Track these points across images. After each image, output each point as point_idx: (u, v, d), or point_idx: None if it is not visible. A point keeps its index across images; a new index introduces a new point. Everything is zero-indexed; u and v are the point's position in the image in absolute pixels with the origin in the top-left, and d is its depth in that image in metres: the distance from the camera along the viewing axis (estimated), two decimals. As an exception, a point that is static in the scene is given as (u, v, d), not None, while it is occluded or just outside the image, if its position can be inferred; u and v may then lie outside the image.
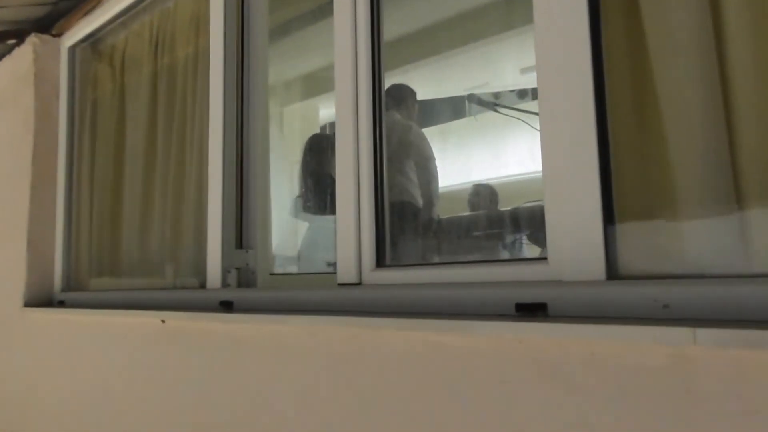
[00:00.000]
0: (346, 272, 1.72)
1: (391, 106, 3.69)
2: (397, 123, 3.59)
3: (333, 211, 3.60)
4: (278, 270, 2.70)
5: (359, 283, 1.69)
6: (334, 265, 1.85)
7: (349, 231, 1.71)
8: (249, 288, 2.21)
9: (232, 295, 2.12)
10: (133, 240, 2.91)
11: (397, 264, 1.66)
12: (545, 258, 1.31)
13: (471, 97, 4.19)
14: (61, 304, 3.13)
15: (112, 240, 3.05)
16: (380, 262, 1.68)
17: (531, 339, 1.18)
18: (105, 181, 3.12)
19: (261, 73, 2.30)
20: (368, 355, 1.45)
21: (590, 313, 1.18)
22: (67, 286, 3.20)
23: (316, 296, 1.75)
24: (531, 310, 1.26)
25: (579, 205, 1.24)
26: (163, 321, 2.17)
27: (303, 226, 4.45)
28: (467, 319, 1.27)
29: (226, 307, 2.10)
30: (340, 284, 1.73)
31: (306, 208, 4.23)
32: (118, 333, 2.43)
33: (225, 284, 2.23)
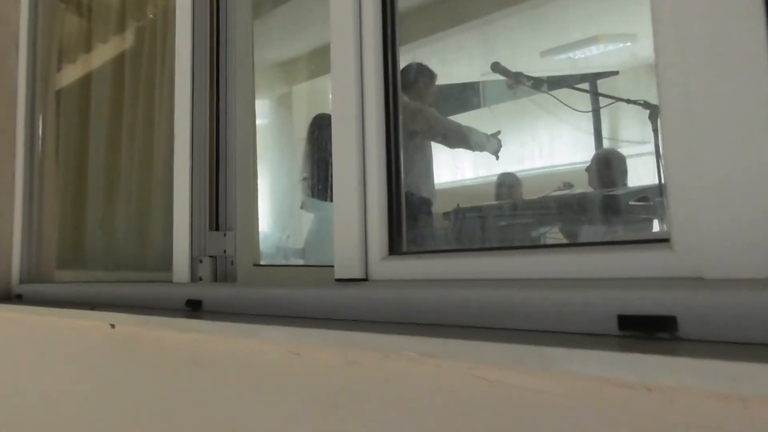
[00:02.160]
0: (345, 263, 1.20)
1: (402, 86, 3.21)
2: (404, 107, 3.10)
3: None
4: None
5: (364, 279, 1.18)
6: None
7: (351, 204, 1.19)
8: (224, 283, 1.70)
9: (201, 291, 1.61)
10: (98, 225, 2.41)
11: (418, 250, 1.14)
12: (666, 240, 0.80)
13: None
14: (19, 298, 2.64)
15: (79, 223, 2.56)
16: (394, 249, 1.16)
17: (659, 385, 0.66)
18: (71, 151, 2.63)
19: (242, 33, 1.78)
20: (374, 392, 0.94)
21: (751, 336, 0.66)
22: (28, 278, 2.71)
23: (304, 297, 1.24)
24: (647, 328, 0.74)
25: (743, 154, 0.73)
26: (112, 325, 1.67)
27: (308, 215, 3.95)
28: (539, 342, 0.76)
29: (194, 307, 1.60)
30: (338, 280, 1.22)
31: (310, 193, 3.74)
32: (59, 338, 1.93)
33: (196, 278, 1.73)
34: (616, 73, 4.88)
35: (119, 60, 2.32)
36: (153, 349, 1.52)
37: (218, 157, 1.77)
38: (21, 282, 2.68)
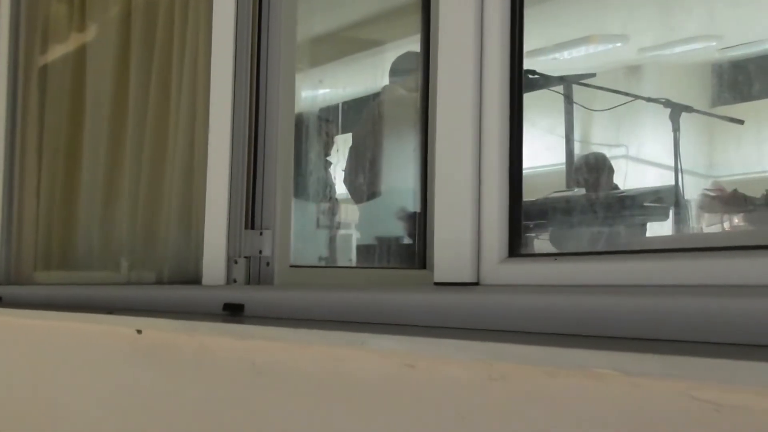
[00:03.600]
0: (450, 265, 1.07)
1: (397, 78, 3.08)
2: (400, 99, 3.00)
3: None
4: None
5: (475, 283, 1.05)
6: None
7: (461, 193, 1.06)
8: (266, 286, 1.55)
9: (241, 295, 1.45)
10: (94, 221, 2.21)
11: (547, 252, 1.01)
12: None
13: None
14: (-2, 301, 2.40)
15: (67, 220, 2.35)
16: (514, 250, 1.03)
17: None
18: (57, 144, 2.41)
19: (287, 7, 1.61)
20: (531, 412, 0.81)
21: None
22: (7, 279, 2.48)
23: (391, 301, 1.10)
24: None
25: None
26: (138, 331, 1.49)
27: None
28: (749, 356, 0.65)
29: (233, 311, 1.43)
30: (438, 284, 1.09)
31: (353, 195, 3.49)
32: (70, 345, 1.73)
33: (230, 279, 1.57)
34: (593, 75, 4.83)
35: (124, 34, 2.12)
36: (193, 358, 1.35)
37: (256, 149, 1.61)
38: (0, 284, 2.44)
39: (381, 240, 2.58)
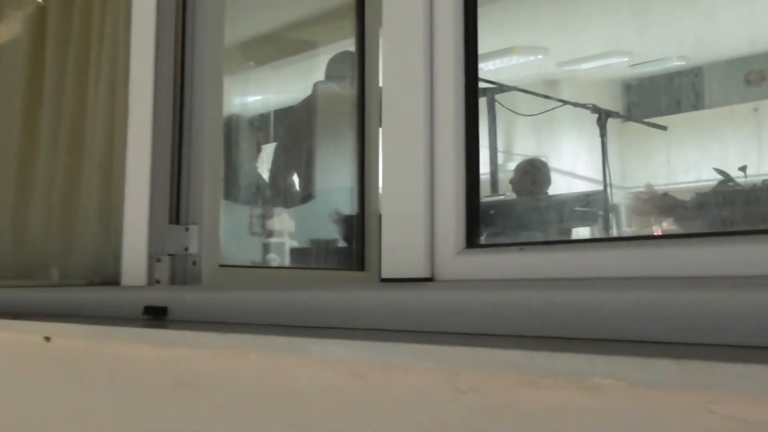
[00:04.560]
0: (400, 259, 0.90)
1: (333, 77, 2.92)
2: (337, 97, 2.83)
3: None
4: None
5: (429, 279, 0.89)
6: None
7: (411, 180, 0.89)
8: (192, 286, 1.34)
9: (165, 296, 1.25)
10: (4, 218, 1.94)
11: (510, 242, 0.86)
12: None
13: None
14: None
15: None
16: (473, 240, 0.88)
17: None
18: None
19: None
20: None
21: None
22: None
23: (337, 302, 0.93)
24: None
25: None
26: (47, 339, 1.25)
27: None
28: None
29: (156, 315, 1.23)
30: (386, 280, 0.92)
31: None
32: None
33: (153, 280, 1.36)
34: (514, 88, 4.78)
35: (38, 25, 1.87)
36: (109, 368, 1.14)
37: (181, 139, 1.41)
38: None
39: (317, 243, 2.40)
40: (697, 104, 7.02)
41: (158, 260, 1.35)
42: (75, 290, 1.45)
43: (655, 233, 2.39)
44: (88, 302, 1.39)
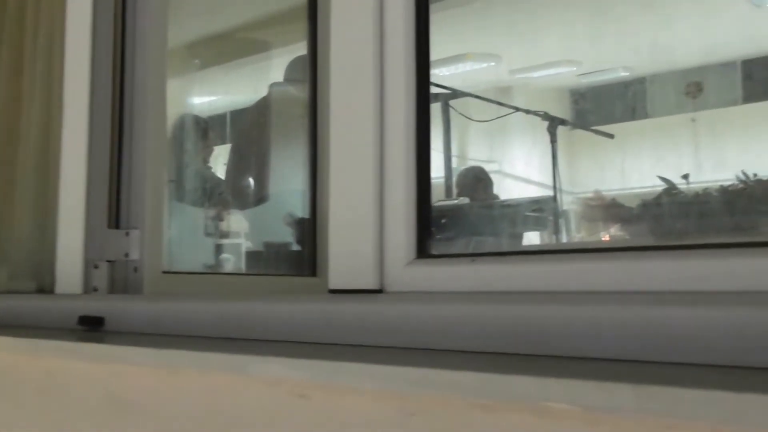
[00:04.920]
0: (349, 268, 0.84)
1: (291, 79, 2.85)
2: (293, 99, 2.77)
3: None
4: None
5: (379, 290, 0.83)
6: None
7: (360, 186, 0.84)
8: (131, 295, 1.26)
9: (102, 305, 1.16)
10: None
11: (467, 252, 0.80)
12: None
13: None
14: None
15: None
16: (424, 250, 0.83)
17: None
18: None
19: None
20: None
21: None
22: None
23: (282, 314, 0.86)
24: None
25: None
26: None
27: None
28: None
29: (92, 325, 1.14)
30: (334, 291, 0.86)
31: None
32: None
33: (89, 288, 1.26)
34: (468, 94, 4.78)
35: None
36: (40, 386, 1.05)
37: (121, 139, 1.32)
38: None
39: (270, 246, 2.32)
40: (641, 114, 7.17)
41: (96, 267, 1.27)
42: (5, 298, 1.35)
43: (603, 238, 2.38)
44: (20, 311, 1.29)
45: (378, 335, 0.78)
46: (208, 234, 2.58)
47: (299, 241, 2.14)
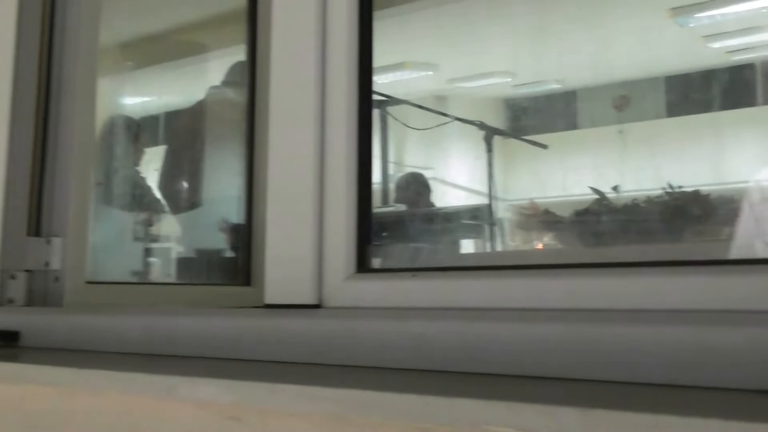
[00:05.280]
0: (286, 282, 0.80)
1: (230, 83, 2.78)
2: (231, 103, 2.70)
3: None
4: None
5: (317, 305, 0.79)
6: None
7: (299, 197, 0.80)
8: (51, 307, 1.18)
9: (18, 319, 1.08)
10: None
11: (407, 267, 0.78)
12: None
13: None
14: None
15: None
16: (364, 264, 0.79)
17: None
18: None
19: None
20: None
21: None
22: None
23: (214, 329, 0.81)
24: None
25: None
26: None
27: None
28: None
29: (6, 340, 1.06)
30: (270, 306, 0.82)
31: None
32: None
33: (4, 300, 1.17)
34: (406, 102, 4.80)
35: None
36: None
37: (45, 142, 1.24)
38: None
39: (201, 253, 2.24)
40: (572, 125, 7.37)
41: (12, 277, 1.18)
42: None
43: (537, 247, 2.40)
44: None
45: (316, 352, 0.74)
46: (137, 239, 2.48)
47: (234, 249, 2.08)
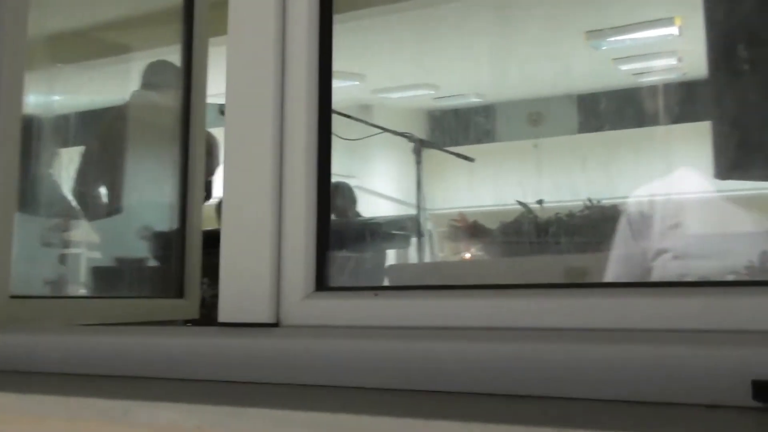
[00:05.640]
0: (242, 300, 0.78)
1: (152, 85, 2.70)
2: (156, 107, 2.64)
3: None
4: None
5: (275, 324, 0.77)
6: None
7: (256, 211, 0.78)
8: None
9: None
10: None
11: (369, 286, 0.77)
12: None
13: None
14: None
15: None
16: (323, 282, 0.78)
17: None
18: None
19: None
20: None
21: None
22: None
23: (164, 349, 0.78)
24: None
25: None
26: None
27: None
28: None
29: None
30: (224, 324, 0.79)
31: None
32: None
33: None
34: (336, 112, 4.75)
35: None
36: None
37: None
38: None
39: (122, 261, 2.15)
40: (490, 137, 7.58)
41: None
42: None
43: (464, 257, 2.45)
44: None
45: (275, 372, 0.72)
46: (46, 245, 2.34)
47: (158, 257, 2.00)
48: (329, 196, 0.81)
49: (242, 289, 0.78)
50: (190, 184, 1.52)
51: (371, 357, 0.69)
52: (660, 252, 1.78)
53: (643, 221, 1.85)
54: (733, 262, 1.60)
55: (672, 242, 1.77)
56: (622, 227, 1.90)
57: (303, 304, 0.76)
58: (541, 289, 0.67)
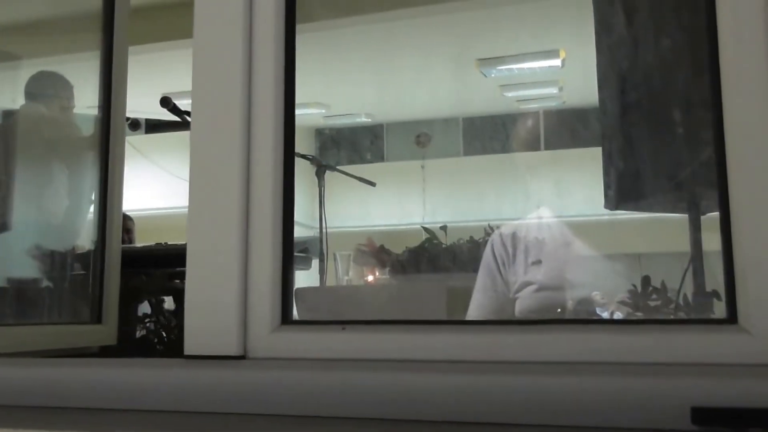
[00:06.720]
0: (209, 332, 0.80)
1: (36, 95, 2.60)
2: (48, 119, 2.55)
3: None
4: None
5: (242, 357, 0.80)
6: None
7: (224, 245, 0.81)
8: None
9: None
10: None
11: (335, 320, 0.81)
12: (733, 320, 0.70)
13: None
14: None
15: None
16: (289, 316, 0.82)
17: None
18: None
19: None
20: None
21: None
22: None
23: (127, 380, 0.79)
24: (729, 423, 0.63)
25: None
26: None
27: None
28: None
29: None
30: (191, 357, 0.81)
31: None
32: None
33: None
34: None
35: None
36: None
37: None
38: None
39: (13, 282, 2.03)
40: (380, 157, 7.75)
41: None
42: None
43: (370, 281, 2.53)
44: None
45: (241, 404, 0.76)
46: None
47: (53, 279, 1.92)
48: (293, 231, 0.85)
49: (209, 322, 0.81)
50: (109, 202, 1.49)
51: (337, 388, 0.74)
52: (525, 284, 1.93)
53: (507, 255, 2.00)
54: (585, 292, 1.78)
55: (534, 276, 1.91)
56: (487, 259, 2.04)
57: (270, 338, 0.80)
58: (499, 325, 0.76)
